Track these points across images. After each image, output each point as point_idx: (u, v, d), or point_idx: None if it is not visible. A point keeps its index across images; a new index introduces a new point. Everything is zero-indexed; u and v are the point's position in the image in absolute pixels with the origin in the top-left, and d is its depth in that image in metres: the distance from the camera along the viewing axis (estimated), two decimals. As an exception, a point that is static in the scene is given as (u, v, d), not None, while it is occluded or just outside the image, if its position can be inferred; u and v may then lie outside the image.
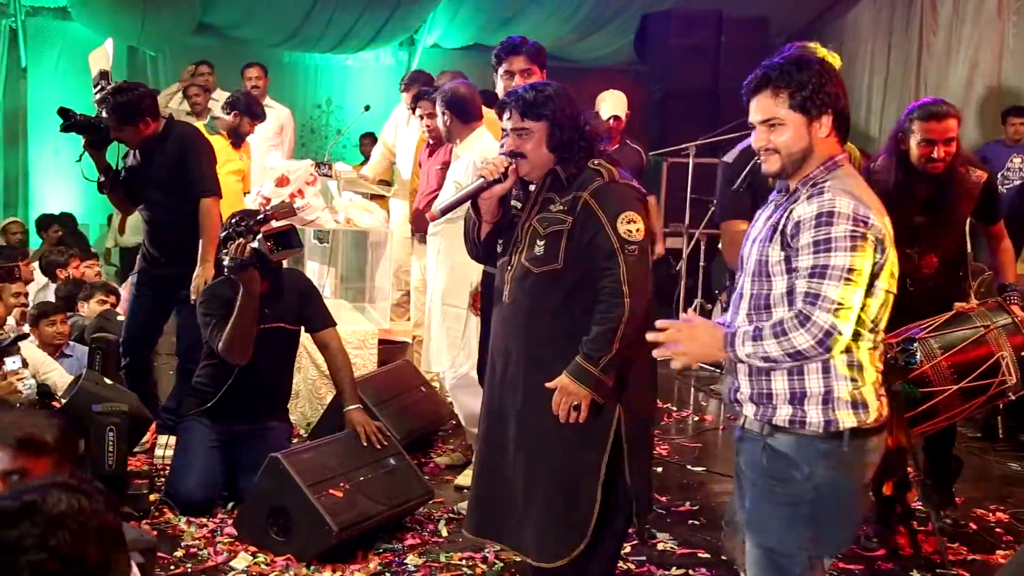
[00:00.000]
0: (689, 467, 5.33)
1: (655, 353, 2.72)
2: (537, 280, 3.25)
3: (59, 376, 5.12)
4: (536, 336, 3.29)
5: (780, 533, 2.68)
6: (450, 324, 4.78)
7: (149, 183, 5.05)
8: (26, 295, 5.71)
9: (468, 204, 3.45)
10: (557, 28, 10.94)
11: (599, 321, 3.16)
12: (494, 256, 3.54)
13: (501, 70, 4.41)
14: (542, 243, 3.23)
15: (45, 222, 9.35)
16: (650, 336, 2.67)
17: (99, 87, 5.10)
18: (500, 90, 4.43)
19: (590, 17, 10.84)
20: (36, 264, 7.78)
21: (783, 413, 2.62)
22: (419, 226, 5.61)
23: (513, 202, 3.42)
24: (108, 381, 4.67)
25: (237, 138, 6.69)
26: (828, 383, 2.59)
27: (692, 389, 6.68)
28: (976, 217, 4.44)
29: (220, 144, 6.61)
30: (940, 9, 9.63)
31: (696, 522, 4.58)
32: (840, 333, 2.49)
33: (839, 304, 2.48)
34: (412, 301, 6.05)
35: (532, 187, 3.37)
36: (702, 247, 7.95)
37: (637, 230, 3.18)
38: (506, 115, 3.33)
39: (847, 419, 2.59)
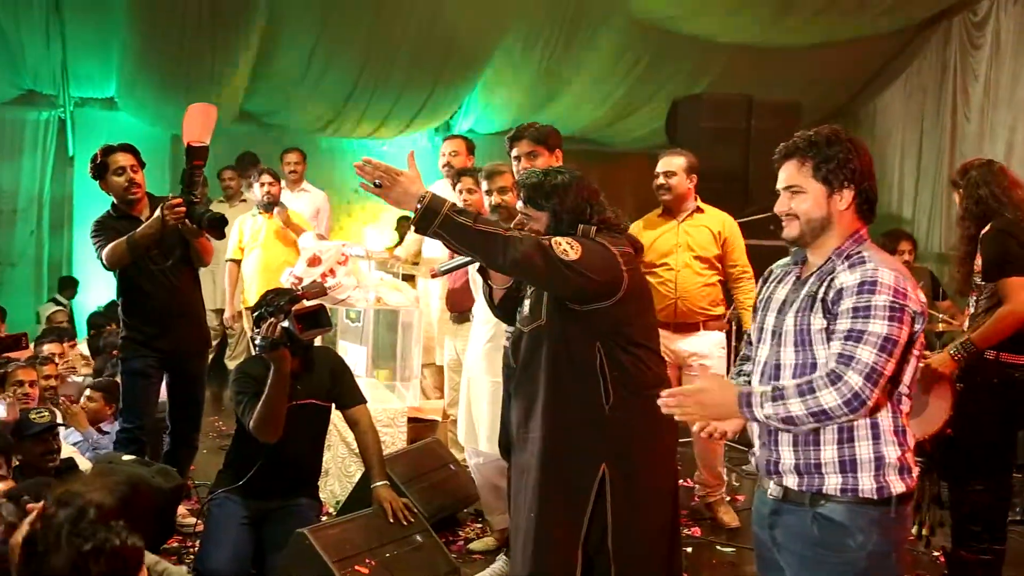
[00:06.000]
0: (719, 547, 5.29)
1: (664, 409, 2.73)
2: (528, 340, 3.31)
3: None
4: (531, 393, 3.31)
5: None
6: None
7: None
8: (32, 383, 5.55)
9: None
10: (590, 113, 11.15)
11: None
12: (514, 318, 3.61)
13: (511, 156, 4.55)
14: (528, 302, 3.30)
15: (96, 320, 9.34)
16: (660, 401, 2.69)
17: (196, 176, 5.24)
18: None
19: (622, 103, 11.04)
20: (82, 347, 7.88)
21: (833, 482, 2.62)
22: (454, 306, 5.66)
23: None
24: (126, 458, 4.58)
25: (262, 205, 7.45)
26: (878, 449, 2.61)
27: (724, 470, 6.60)
28: None
29: (259, 224, 7.47)
30: (972, 94, 9.69)
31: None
32: (867, 397, 2.51)
33: (871, 369, 2.51)
34: (446, 380, 6.08)
35: None
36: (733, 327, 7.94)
37: (566, 251, 3.09)
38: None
39: (896, 484, 2.61)
